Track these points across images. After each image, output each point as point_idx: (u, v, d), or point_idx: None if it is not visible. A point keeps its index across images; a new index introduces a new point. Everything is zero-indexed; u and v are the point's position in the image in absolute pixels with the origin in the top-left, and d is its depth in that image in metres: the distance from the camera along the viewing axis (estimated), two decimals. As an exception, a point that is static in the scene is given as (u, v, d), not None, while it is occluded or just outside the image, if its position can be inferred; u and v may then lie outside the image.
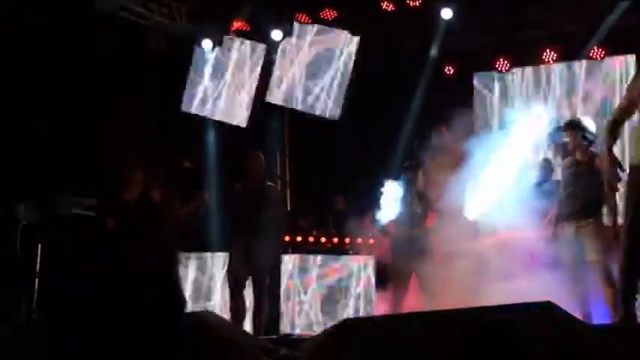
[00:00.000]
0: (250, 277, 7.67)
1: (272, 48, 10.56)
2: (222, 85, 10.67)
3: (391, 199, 8.30)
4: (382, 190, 8.47)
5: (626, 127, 5.57)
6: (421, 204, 7.86)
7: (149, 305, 5.30)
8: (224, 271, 8.42)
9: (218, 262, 9.01)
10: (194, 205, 8.08)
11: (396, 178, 8.38)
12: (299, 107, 10.59)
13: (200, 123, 10.56)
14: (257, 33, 10.55)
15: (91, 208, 8.48)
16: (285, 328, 8.81)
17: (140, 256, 5.91)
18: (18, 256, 7.76)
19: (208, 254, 9.18)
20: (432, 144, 8.33)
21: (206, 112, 10.66)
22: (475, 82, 10.39)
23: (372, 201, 8.72)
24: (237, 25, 10.56)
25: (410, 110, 10.24)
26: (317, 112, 10.45)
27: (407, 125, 10.16)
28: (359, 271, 9.10)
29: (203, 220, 8.84)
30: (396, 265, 7.89)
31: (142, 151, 9.52)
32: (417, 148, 8.61)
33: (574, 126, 6.93)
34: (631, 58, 9.57)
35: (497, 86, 10.22)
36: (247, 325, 7.73)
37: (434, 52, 10.13)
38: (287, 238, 9.42)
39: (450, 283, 7.33)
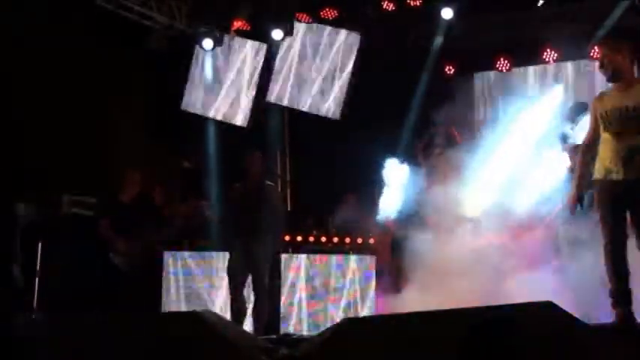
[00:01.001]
0: (250, 277, 7.67)
1: (272, 47, 10.55)
2: (222, 85, 10.66)
3: (395, 185, 8.37)
4: (385, 174, 8.54)
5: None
6: (423, 202, 7.88)
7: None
8: (224, 270, 8.41)
9: (218, 262, 9.00)
10: (193, 206, 8.09)
11: (401, 161, 8.48)
12: (299, 107, 10.59)
13: (200, 123, 10.55)
14: (257, 32, 10.55)
15: (91, 208, 8.50)
16: (285, 328, 8.80)
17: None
18: (18, 256, 7.77)
19: (208, 254, 9.16)
20: (438, 140, 8.37)
21: (206, 111, 10.65)
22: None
23: (372, 200, 8.75)
24: (237, 24, 10.55)
25: (410, 110, 10.23)
26: (317, 112, 10.45)
27: (407, 125, 10.15)
28: (359, 270, 9.08)
29: (203, 221, 8.85)
30: (397, 263, 7.94)
31: (141, 151, 9.53)
32: (420, 145, 8.63)
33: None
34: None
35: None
36: (247, 325, 7.72)
37: (436, 45, 10.13)
38: (287, 238, 9.41)
39: (448, 281, 7.36)
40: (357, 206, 9.67)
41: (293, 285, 9.07)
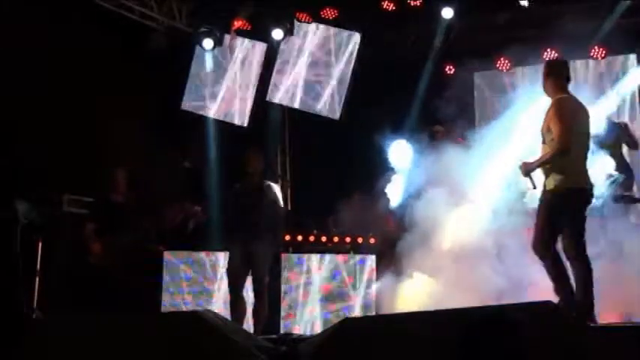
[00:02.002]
0: (250, 276, 7.66)
1: (273, 47, 10.56)
2: (222, 85, 10.67)
3: (402, 164, 8.44)
4: (392, 158, 8.61)
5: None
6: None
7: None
8: (224, 270, 8.41)
9: (218, 262, 9.01)
10: (185, 210, 8.08)
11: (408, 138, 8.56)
12: (299, 106, 10.59)
13: (200, 123, 10.56)
14: (258, 32, 10.55)
15: (88, 207, 8.48)
16: (285, 327, 8.80)
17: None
18: (18, 254, 7.76)
19: (208, 253, 9.17)
20: (433, 141, 8.42)
21: (206, 111, 10.65)
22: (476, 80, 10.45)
23: (377, 195, 8.78)
24: (238, 24, 10.56)
25: (410, 109, 10.24)
26: (317, 112, 10.45)
27: (407, 124, 10.15)
28: (359, 269, 9.09)
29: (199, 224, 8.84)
30: (396, 257, 8.06)
31: (142, 151, 9.52)
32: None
33: None
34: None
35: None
36: (247, 325, 7.72)
37: (436, 44, 10.13)
38: (287, 238, 9.41)
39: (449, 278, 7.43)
40: (361, 204, 9.68)
41: (293, 284, 9.08)
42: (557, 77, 6.04)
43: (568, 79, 6.11)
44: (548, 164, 5.83)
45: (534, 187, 5.95)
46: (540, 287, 6.33)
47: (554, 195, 5.82)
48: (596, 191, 7.50)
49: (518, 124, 8.09)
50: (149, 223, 8.09)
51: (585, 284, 5.71)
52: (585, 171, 5.92)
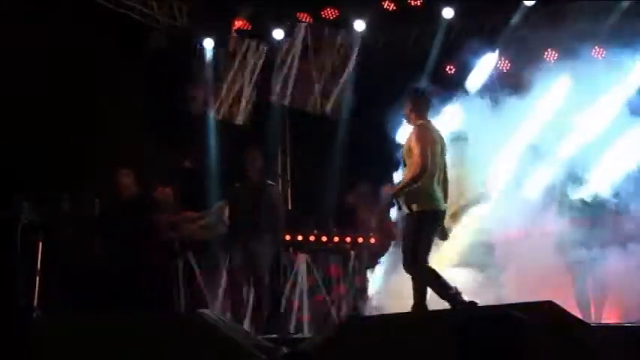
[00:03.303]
0: (250, 277, 7.67)
1: (273, 47, 10.56)
2: (222, 85, 10.66)
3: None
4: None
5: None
6: None
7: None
8: (224, 270, 8.41)
9: (218, 262, 9.01)
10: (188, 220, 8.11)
11: None
12: (300, 107, 10.58)
13: (200, 122, 10.55)
14: (258, 32, 10.55)
15: (90, 208, 8.48)
16: (285, 327, 8.80)
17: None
18: (18, 254, 7.77)
19: (209, 253, 9.17)
20: None
21: (207, 111, 10.64)
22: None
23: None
24: (238, 24, 10.56)
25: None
26: (318, 112, 10.45)
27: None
28: (359, 269, 9.09)
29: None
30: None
31: (142, 151, 9.53)
32: None
33: None
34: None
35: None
36: (247, 325, 7.72)
37: (436, 44, 10.14)
38: (287, 238, 9.41)
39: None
40: (362, 203, 9.67)
41: (294, 284, 9.08)
42: (418, 105, 6.43)
43: (428, 106, 6.48)
44: (410, 186, 6.09)
45: (400, 209, 6.21)
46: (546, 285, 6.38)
47: (409, 217, 6.12)
48: (612, 187, 7.58)
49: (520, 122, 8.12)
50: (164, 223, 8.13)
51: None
52: (439, 195, 6.17)
